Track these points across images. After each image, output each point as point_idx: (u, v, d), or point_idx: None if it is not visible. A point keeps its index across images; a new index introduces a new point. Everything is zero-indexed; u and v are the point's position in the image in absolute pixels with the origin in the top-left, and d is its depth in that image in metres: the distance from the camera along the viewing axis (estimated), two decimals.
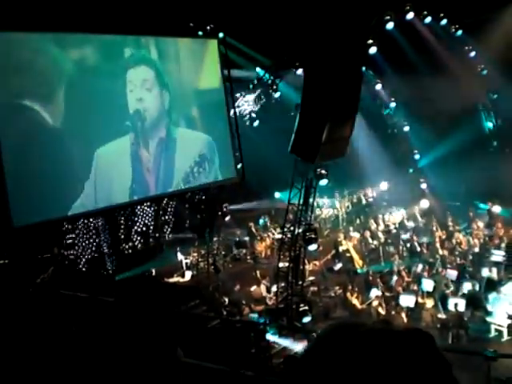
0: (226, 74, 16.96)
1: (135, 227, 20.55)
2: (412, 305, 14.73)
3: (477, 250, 18.31)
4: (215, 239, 19.31)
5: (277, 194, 23.15)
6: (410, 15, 18.11)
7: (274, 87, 20.77)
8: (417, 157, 25.59)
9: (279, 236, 18.64)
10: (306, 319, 14.79)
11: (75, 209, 13.52)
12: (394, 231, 21.78)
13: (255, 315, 15.56)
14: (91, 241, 18.45)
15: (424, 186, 24.90)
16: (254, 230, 22.16)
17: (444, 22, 19.72)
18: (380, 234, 21.25)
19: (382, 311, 14.88)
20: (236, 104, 18.78)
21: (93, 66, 13.67)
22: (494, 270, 16.25)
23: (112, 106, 14.15)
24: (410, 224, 22.25)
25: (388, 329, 1.07)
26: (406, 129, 24.93)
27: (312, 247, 15.65)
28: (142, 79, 14.84)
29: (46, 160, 12.47)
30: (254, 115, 22.11)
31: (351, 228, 22.16)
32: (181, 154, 15.94)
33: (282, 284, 15.68)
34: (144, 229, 20.98)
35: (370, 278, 16.92)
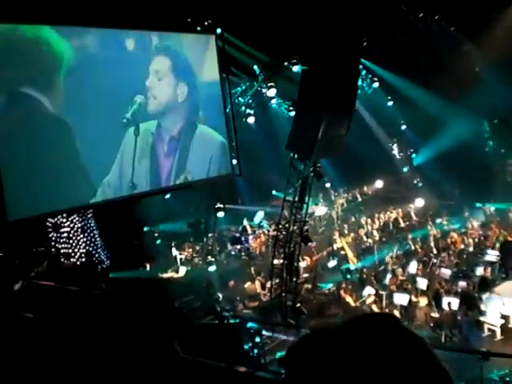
0: (223, 70, 16.94)
1: (129, 222, 20.50)
2: (406, 303, 14.76)
3: (471, 249, 18.36)
4: (210, 235, 19.31)
5: (273, 192, 23.16)
6: (409, 15, 18.16)
7: (270, 84, 20.75)
8: (412, 155, 25.66)
9: (274, 233, 18.66)
10: (300, 316, 14.82)
11: (77, 201, 13.43)
12: (389, 229, 21.82)
13: (249, 311, 15.59)
14: (85, 235, 18.42)
15: (419, 184, 24.96)
16: (248, 226, 22.21)
17: (442, 22, 19.76)
18: (375, 232, 21.29)
19: (376, 309, 14.91)
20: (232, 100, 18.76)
21: (94, 54, 13.51)
22: (488, 269, 16.30)
23: (116, 96, 14.02)
24: (405, 222, 22.28)
25: (352, 320, 1.08)
26: (403, 127, 24.97)
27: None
28: (155, 69, 14.76)
29: (46, 150, 12.33)
30: (249, 111, 22.10)
31: (346, 226, 22.17)
32: (193, 150, 15.86)
33: (277, 281, 15.70)
34: (138, 223, 20.96)
35: (364, 275, 16.97)
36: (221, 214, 19.12)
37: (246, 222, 22.35)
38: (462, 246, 18.68)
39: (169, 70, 15.28)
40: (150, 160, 14.95)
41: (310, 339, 1.07)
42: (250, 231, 22.01)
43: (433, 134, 23.40)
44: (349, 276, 17.44)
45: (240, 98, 19.78)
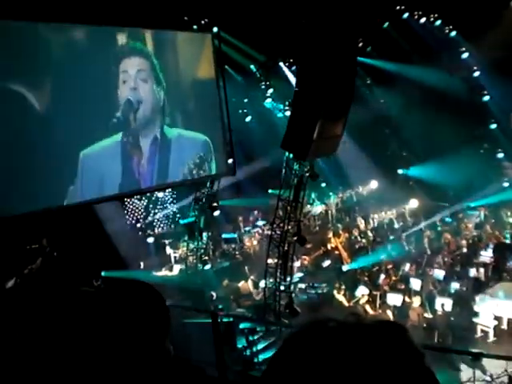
0: (219, 69, 16.92)
1: (125, 220, 20.47)
2: (399, 304, 14.78)
3: (465, 250, 18.39)
4: (204, 234, 19.29)
5: (269, 190, 23.16)
6: (405, 15, 18.22)
7: (266, 83, 20.76)
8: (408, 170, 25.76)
9: (269, 232, 18.65)
10: (293, 316, 14.82)
11: (64, 200, 13.33)
12: (383, 230, 21.85)
13: (242, 310, 15.60)
14: (80, 233, 18.34)
15: (413, 186, 25.03)
16: (242, 225, 22.25)
17: (438, 22, 19.78)
18: (369, 233, 21.31)
19: (369, 309, 14.93)
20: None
21: (84, 51, 13.33)
22: (482, 270, 16.34)
23: (103, 95, 13.90)
24: (399, 223, 22.31)
25: (358, 322, 1.06)
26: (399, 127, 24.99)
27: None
28: (137, 69, 14.60)
29: (32, 148, 12.19)
30: (245, 111, 22.10)
31: (340, 225, 22.18)
32: (175, 154, 15.77)
33: (270, 280, 15.70)
34: (133, 222, 20.94)
35: (358, 275, 16.99)
36: (216, 213, 19.12)
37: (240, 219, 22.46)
38: (456, 247, 18.71)
39: (157, 70, 15.19)
40: (138, 161, 14.88)
41: (307, 337, 1.06)
42: (243, 230, 22.07)
43: (429, 136, 23.37)
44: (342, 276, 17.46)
45: (236, 97, 19.79)
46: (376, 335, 1.03)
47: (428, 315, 14.26)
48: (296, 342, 1.05)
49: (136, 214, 21.36)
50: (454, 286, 15.32)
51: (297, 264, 17.75)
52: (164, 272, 18.54)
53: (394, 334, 1.05)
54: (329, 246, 19.58)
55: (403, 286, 15.66)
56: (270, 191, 21.96)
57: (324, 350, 1.00)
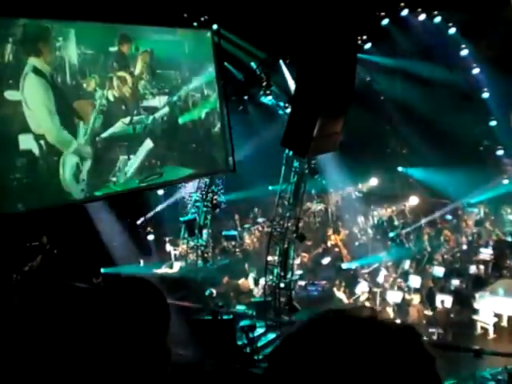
0: (219, 66, 16.89)
1: (124, 218, 20.44)
2: (399, 301, 14.80)
3: (465, 247, 18.40)
4: (204, 231, 19.29)
5: (269, 187, 23.14)
6: (405, 12, 18.19)
7: (268, 80, 20.70)
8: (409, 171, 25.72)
9: (269, 229, 18.65)
10: (294, 313, 14.84)
11: (64, 198, 13.30)
12: (383, 227, 21.84)
13: (242, 307, 15.60)
14: (80, 230, 18.33)
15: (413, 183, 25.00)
16: (238, 223, 22.26)
17: (438, 19, 19.71)
18: (369, 230, 21.31)
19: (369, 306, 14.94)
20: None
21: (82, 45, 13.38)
22: (482, 267, 16.35)
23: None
24: (399, 220, 22.30)
25: (374, 320, 1.06)
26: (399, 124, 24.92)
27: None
28: (144, 65, 14.64)
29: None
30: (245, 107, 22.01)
31: (340, 223, 22.17)
32: (173, 144, 15.79)
33: (270, 277, 15.70)
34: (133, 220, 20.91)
35: (358, 273, 17.00)
36: (217, 210, 19.13)
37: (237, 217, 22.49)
38: (456, 244, 18.72)
39: (157, 66, 15.17)
40: (141, 156, 14.85)
41: (317, 332, 1.05)
42: (239, 228, 22.08)
43: (428, 135, 23.32)
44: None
45: (237, 95, 19.74)
46: (390, 335, 1.02)
47: (428, 312, 14.28)
48: (302, 337, 1.05)
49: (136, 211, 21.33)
50: (454, 283, 15.34)
51: (297, 261, 17.76)
52: (164, 269, 18.52)
53: (408, 337, 1.04)
54: (329, 244, 19.60)
55: (403, 283, 15.67)
56: (270, 188, 21.96)
57: (331, 345, 0.99)
